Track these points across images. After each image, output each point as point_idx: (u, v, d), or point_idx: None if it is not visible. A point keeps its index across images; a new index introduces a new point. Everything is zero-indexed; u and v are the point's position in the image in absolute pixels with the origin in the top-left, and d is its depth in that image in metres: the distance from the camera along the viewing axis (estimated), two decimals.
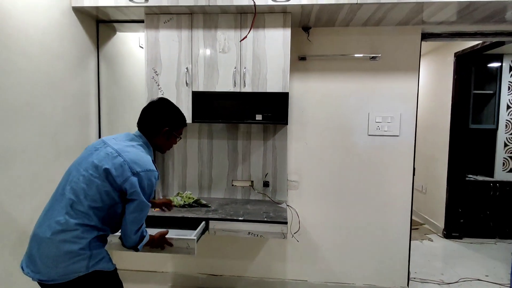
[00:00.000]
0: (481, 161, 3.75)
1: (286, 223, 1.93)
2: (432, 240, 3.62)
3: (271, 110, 2.09)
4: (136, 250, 1.41)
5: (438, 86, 3.87)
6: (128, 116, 2.57)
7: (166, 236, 1.61)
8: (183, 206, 2.15)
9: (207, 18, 2.10)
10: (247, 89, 2.09)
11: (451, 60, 3.59)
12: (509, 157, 3.59)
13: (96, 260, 1.24)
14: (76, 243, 1.19)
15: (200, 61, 2.12)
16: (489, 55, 3.51)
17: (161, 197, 2.45)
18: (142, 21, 2.21)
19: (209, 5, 1.96)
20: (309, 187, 2.44)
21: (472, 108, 3.59)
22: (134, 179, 1.26)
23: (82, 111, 2.22)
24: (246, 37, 2.04)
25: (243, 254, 2.52)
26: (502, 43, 2.94)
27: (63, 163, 2.01)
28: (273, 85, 2.08)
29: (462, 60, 3.49)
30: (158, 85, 2.16)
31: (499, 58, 3.53)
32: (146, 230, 1.44)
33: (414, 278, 2.71)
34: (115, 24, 2.38)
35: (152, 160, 1.36)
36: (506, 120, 3.56)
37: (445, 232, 3.67)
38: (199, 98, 2.13)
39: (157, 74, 2.16)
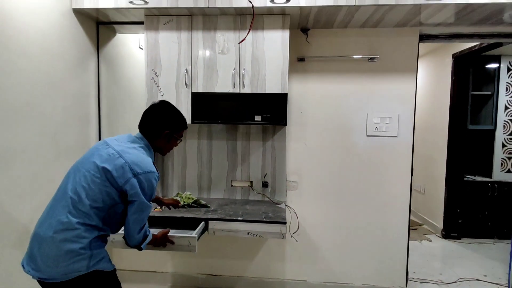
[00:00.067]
0: (479, 161, 3.76)
1: (285, 223, 1.94)
2: (431, 241, 3.63)
3: (270, 111, 2.11)
4: (140, 249, 1.44)
5: (437, 87, 3.89)
6: (128, 116, 2.59)
7: (168, 234, 1.65)
8: (183, 206, 2.16)
9: (206, 19, 2.12)
10: (246, 90, 2.11)
11: (449, 61, 3.61)
12: (507, 157, 3.60)
13: (96, 260, 1.25)
14: (77, 243, 1.21)
15: (200, 62, 2.14)
16: (487, 56, 3.53)
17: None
18: (142, 23, 2.23)
19: (208, 7, 1.98)
20: (308, 187, 2.45)
21: (470, 109, 3.61)
22: (135, 181, 1.27)
23: (82, 112, 2.23)
24: (244, 39, 2.06)
25: (243, 254, 2.53)
26: (499, 44, 2.96)
27: (63, 163, 2.02)
28: (272, 86, 2.09)
29: (460, 61, 3.51)
30: (158, 86, 2.18)
31: (497, 59, 3.55)
32: (149, 229, 1.47)
33: (413, 278, 2.72)
34: (115, 26, 2.40)
35: (153, 162, 1.38)
36: (504, 120, 3.58)
37: (443, 233, 3.69)
38: (198, 99, 2.14)
39: (156, 75, 2.17)
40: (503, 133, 3.59)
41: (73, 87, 2.13)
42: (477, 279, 2.76)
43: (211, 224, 1.97)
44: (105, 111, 2.43)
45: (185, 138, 2.47)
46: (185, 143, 2.47)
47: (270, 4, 1.94)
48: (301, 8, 1.95)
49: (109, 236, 1.38)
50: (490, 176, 3.65)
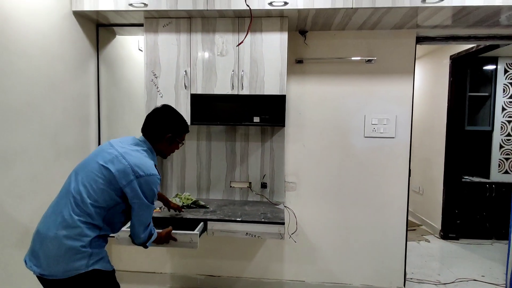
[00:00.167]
0: (477, 162, 3.78)
1: (283, 223, 1.95)
2: (429, 241, 3.64)
3: (268, 112, 2.12)
4: (145, 247, 1.49)
5: (434, 88, 3.91)
6: (127, 118, 2.60)
7: (171, 232, 1.73)
8: (182, 207, 2.17)
9: (205, 22, 2.14)
10: (245, 91, 2.12)
11: (446, 63, 3.63)
12: (505, 158, 3.62)
13: (96, 259, 1.27)
14: (78, 240, 1.23)
15: (199, 64, 2.16)
16: (484, 57, 3.55)
17: None
18: (141, 25, 2.25)
19: (207, 9, 2.00)
20: (306, 188, 2.47)
21: (467, 110, 3.63)
22: (137, 183, 1.30)
23: (82, 113, 2.25)
24: (242, 42, 2.08)
25: (241, 255, 2.54)
26: (496, 46, 2.98)
27: (63, 164, 2.04)
28: (270, 88, 2.11)
29: (458, 63, 3.54)
30: (157, 88, 2.19)
31: (494, 60, 3.57)
32: (154, 228, 1.52)
33: (411, 278, 2.74)
34: (115, 28, 2.42)
35: (155, 165, 1.41)
36: (502, 122, 3.60)
37: (442, 233, 3.70)
38: (197, 100, 2.16)
39: (156, 77, 2.19)
40: (501, 134, 3.61)
41: (73, 88, 2.15)
42: (474, 280, 2.77)
43: (210, 224, 1.98)
44: (105, 113, 2.45)
45: (184, 139, 2.48)
46: (184, 144, 2.49)
47: (268, 7, 1.96)
48: (299, 10, 1.97)
49: (109, 236, 1.40)
50: (488, 177, 3.66)
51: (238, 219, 1.98)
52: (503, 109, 3.59)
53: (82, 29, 2.21)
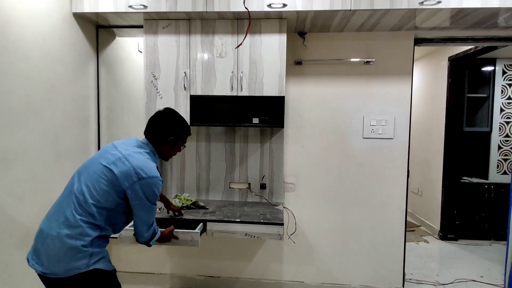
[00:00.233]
0: (476, 163, 3.80)
1: (282, 224, 1.96)
2: (428, 242, 3.65)
3: (267, 113, 2.13)
4: (149, 245, 1.53)
5: (433, 89, 3.93)
6: (127, 119, 2.61)
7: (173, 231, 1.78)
8: (181, 208, 2.18)
9: (204, 23, 2.15)
10: (244, 93, 2.14)
11: (445, 64, 3.65)
12: (503, 159, 3.64)
13: (96, 259, 1.28)
14: (80, 240, 1.25)
15: (198, 65, 2.17)
16: (482, 59, 3.57)
17: None
18: (141, 27, 2.26)
19: (206, 11, 2.01)
20: (305, 189, 2.48)
21: (466, 111, 3.64)
22: (139, 184, 1.32)
23: (81, 114, 2.26)
24: (241, 44, 2.09)
25: (240, 255, 2.55)
26: (494, 48, 3.00)
27: (63, 165, 2.05)
28: (269, 89, 2.12)
29: (456, 64, 3.56)
30: (157, 89, 2.20)
31: (492, 62, 3.59)
32: (157, 227, 1.55)
33: (410, 279, 2.74)
34: (115, 29, 2.43)
35: (157, 167, 1.43)
36: (500, 123, 3.61)
37: (441, 234, 3.71)
38: (197, 102, 2.17)
39: (155, 78, 2.20)
40: (499, 135, 3.63)
41: (73, 90, 2.16)
42: (473, 280, 2.78)
43: (209, 225, 1.99)
44: (104, 114, 2.46)
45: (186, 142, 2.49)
46: (185, 147, 2.50)
47: (267, 9, 1.97)
48: (297, 12, 1.98)
49: (110, 237, 1.41)
50: (487, 178, 3.67)
51: (237, 220, 1.99)
52: (501, 110, 3.61)
53: (82, 30, 2.22)
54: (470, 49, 3.23)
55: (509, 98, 3.59)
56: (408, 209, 2.45)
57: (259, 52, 2.12)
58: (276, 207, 2.32)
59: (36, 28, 1.83)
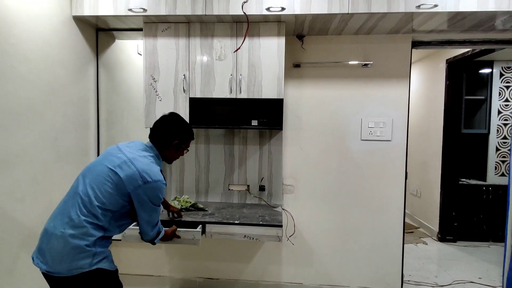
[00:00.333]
0: (474, 165, 3.81)
1: (281, 226, 1.97)
2: (426, 244, 3.66)
3: (266, 116, 2.15)
4: (153, 243, 1.58)
5: (431, 92, 3.95)
6: (126, 121, 2.62)
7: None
8: (181, 210, 2.19)
9: (204, 26, 2.16)
10: (243, 95, 2.15)
11: (443, 67, 3.67)
12: (501, 161, 3.66)
13: (99, 258, 1.31)
14: (84, 240, 1.27)
15: (197, 68, 2.18)
16: (480, 61, 3.60)
17: None
18: (140, 29, 2.27)
19: (205, 15, 2.03)
20: (304, 191, 2.49)
21: (464, 113, 3.67)
22: (144, 188, 1.35)
23: (81, 117, 2.27)
24: (239, 48, 2.11)
25: (239, 257, 2.55)
26: (492, 50, 3.03)
27: (62, 167, 2.06)
28: (268, 92, 2.14)
29: (454, 67, 3.58)
30: (156, 92, 2.21)
31: (490, 64, 3.62)
32: (162, 226, 1.60)
33: (409, 280, 2.75)
34: (114, 32, 2.44)
35: (161, 170, 1.47)
36: (498, 125, 3.64)
37: (439, 236, 3.72)
38: (196, 104, 2.18)
39: (155, 81, 2.21)
40: (497, 137, 3.65)
41: (73, 92, 2.17)
42: (471, 282, 2.79)
43: (209, 227, 2.00)
44: (104, 116, 2.47)
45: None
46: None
47: (265, 12, 1.99)
48: (296, 16, 2.00)
49: (112, 238, 1.45)
50: (485, 180, 3.69)
51: (236, 222, 2.00)
52: (499, 112, 3.63)
53: (82, 33, 2.24)
54: (468, 51, 3.25)
55: (506, 100, 3.62)
56: (407, 211, 2.47)
57: (258, 55, 2.13)
58: (275, 209, 2.33)
59: (36, 31, 1.84)
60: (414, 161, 4.16)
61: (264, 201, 2.46)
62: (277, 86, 2.13)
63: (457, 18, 2.02)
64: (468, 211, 3.66)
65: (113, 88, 2.53)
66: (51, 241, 1.28)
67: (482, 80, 3.70)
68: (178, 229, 1.82)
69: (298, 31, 2.32)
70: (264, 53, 2.13)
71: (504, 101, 3.62)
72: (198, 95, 2.18)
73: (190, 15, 2.04)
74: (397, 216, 2.44)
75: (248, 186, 2.48)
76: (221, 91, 2.16)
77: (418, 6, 1.88)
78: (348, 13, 1.95)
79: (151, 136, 1.55)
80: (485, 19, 2.04)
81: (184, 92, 2.19)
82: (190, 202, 2.25)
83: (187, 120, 2.17)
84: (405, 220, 2.46)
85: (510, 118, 3.62)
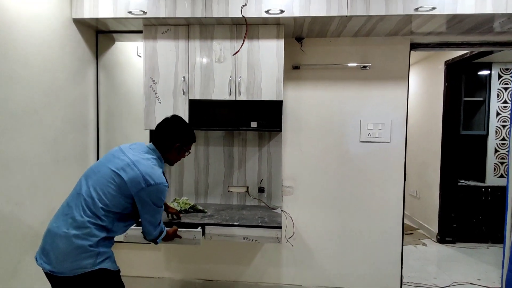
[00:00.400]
0: (473, 166, 3.82)
1: (280, 227, 1.97)
2: (426, 245, 3.66)
3: (265, 117, 2.15)
4: (156, 243, 1.61)
5: (430, 93, 3.96)
6: (125, 124, 2.62)
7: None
8: (180, 211, 2.19)
9: (203, 29, 2.17)
10: (242, 97, 2.16)
11: (441, 69, 3.68)
12: (500, 162, 3.66)
13: (102, 259, 1.33)
14: (87, 240, 1.29)
15: (197, 70, 2.19)
16: (479, 63, 3.61)
17: None
18: (140, 32, 2.28)
19: (205, 17, 2.04)
20: (303, 192, 2.49)
21: (463, 115, 3.67)
22: (146, 190, 1.37)
23: (81, 119, 2.27)
24: (238, 51, 2.12)
25: (239, 259, 2.56)
26: (490, 52, 3.03)
27: (62, 170, 2.06)
28: (267, 94, 2.14)
29: (453, 69, 3.59)
30: (156, 94, 2.22)
31: (488, 66, 3.63)
32: (164, 226, 1.63)
33: (408, 282, 2.75)
34: (114, 34, 2.45)
35: (163, 172, 1.48)
36: (496, 126, 3.64)
37: (438, 237, 3.72)
38: (195, 106, 2.19)
39: (154, 83, 2.22)
40: (496, 139, 3.65)
41: (72, 95, 2.17)
42: (471, 283, 2.79)
43: (208, 229, 2.00)
44: (104, 118, 2.47)
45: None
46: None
47: (265, 15, 2.00)
48: (295, 18, 2.01)
49: (114, 240, 1.46)
50: (484, 181, 3.70)
51: (235, 223, 2.00)
52: (498, 113, 3.64)
53: (81, 36, 2.24)
54: (466, 53, 3.26)
55: (505, 101, 3.63)
56: (406, 212, 2.47)
57: (257, 57, 2.14)
58: (274, 210, 2.34)
59: (36, 33, 1.85)
60: (413, 162, 4.17)
61: (263, 202, 2.46)
62: (276, 88, 2.14)
63: (455, 21, 2.03)
64: (467, 212, 3.66)
65: (112, 90, 2.54)
66: (55, 241, 1.29)
67: (480, 82, 3.71)
68: (179, 229, 1.85)
69: (297, 33, 2.33)
70: (263, 55, 2.14)
71: (502, 103, 3.63)
72: (197, 97, 2.19)
73: (189, 17, 2.05)
74: (396, 217, 2.44)
75: (248, 187, 2.49)
76: (220, 93, 2.17)
77: (416, 9, 1.90)
78: (346, 16, 1.96)
79: (153, 139, 1.57)
80: (483, 22, 2.05)
81: (183, 94, 2.20)
82: (190, 204, 2.25)
83: (187, 122, 2.17)
84: (404, 222, 2.47)
85: (509, 120, 3.63)
